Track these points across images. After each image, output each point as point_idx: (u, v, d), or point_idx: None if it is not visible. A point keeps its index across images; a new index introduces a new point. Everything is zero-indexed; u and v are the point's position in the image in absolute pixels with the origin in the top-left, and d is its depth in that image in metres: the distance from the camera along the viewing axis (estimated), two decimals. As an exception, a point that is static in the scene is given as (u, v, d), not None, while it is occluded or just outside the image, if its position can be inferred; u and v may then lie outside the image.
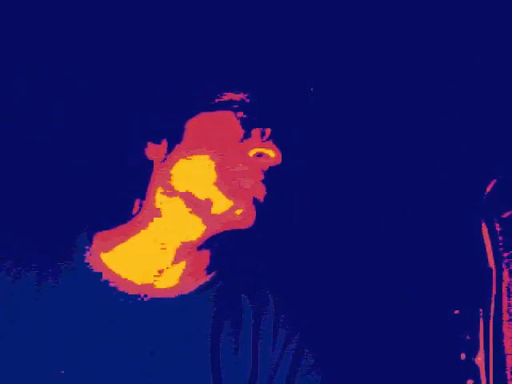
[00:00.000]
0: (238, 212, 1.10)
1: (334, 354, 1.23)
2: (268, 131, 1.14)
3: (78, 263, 1.15)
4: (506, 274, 1.08)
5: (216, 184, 1.11)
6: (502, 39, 1.46)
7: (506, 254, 1.08)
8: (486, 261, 1.09)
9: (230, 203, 1.10)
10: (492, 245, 1.09)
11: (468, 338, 1.08)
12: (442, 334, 1.23)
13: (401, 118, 1.54)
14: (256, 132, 1.14)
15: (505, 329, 1.07)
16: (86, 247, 1.16)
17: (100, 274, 1.14)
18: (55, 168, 1.47)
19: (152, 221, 1.15)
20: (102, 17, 1.47)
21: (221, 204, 1.10)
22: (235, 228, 1.13)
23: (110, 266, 1.15)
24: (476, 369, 1.06)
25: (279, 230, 1.49)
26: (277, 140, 1.14)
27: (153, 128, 1.17)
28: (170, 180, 1.13)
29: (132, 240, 1.16)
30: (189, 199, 1.12)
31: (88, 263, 1.15)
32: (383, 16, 1.51)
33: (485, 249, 1.09)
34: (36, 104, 1.49)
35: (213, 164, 1.11)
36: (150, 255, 1.15)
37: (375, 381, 1.46)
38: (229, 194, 1.10)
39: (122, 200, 1.16)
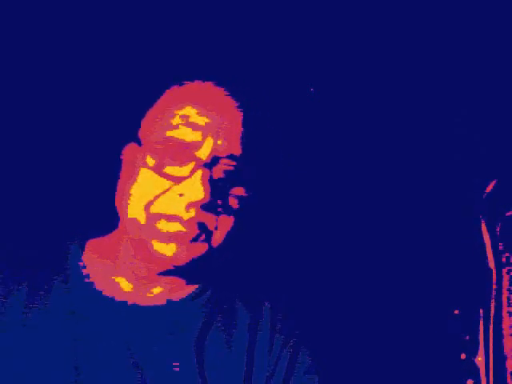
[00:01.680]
0: (172, 254, 1.05)
1: (334, 355, 1.23)
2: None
3: (70, 272, 1.14)
4: (505, 273, 1.08)
5: (148, 228, 1.05)
6: (501, 39, 1.46)
7: (506, 254, 1.08)
8: (486, 261, 1.09)
9: (162, 248, 1.05)
10: (492, 245, 1.09)
11: (468, 338, 1.08)
12: (442, 334, 1.23)
13: (401, 118, 1.54)
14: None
15: (505, 329, 1.07)
16: (79, 257, 1.15)
17: (92, 282, 1.13)
18: (44, 177, 1.47)
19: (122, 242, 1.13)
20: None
21: (153, 248, 1.05)
22: (176, 265, 1.07)
23: (102, 274, 1.14)
24: (476, 369, 1.06)
25: (274, 232, 1.49)
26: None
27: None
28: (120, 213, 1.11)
29: (122, 249, 1.14)
30: (131, 239, 1.10)
31: (81, 271, 1.14)
32: (383, 16, 1.51)
33: (485, 249, 1.09)
34: (26, 113, 1.48)
35: (143, 204, 1.05)
36: (133, 269, 1.13)
37: (375, 381, 1.46)
38: (160, 239, 1.05)
39: (110, 209, 1.14)
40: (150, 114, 1.08)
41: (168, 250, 1.05)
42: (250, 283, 1.22)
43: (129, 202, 1.06)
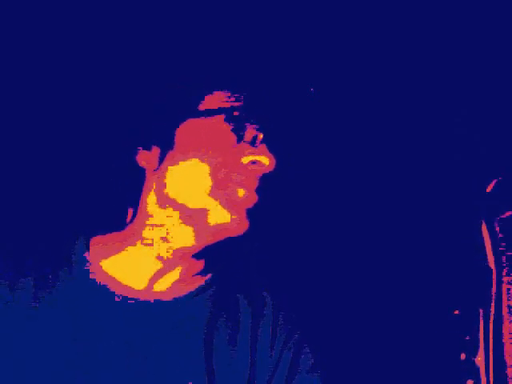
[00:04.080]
0: (232, 222, 1.10)
1: (334, 355, 1.23)
2: (260, 136, 1.13)
3: (76, 269, 1.15)
4: (505, 274, 1.08)
5: (210, 194, 1.10)
6: (501, 39, 1.45)
7: (506, 254, 1.08)
8: (486, 261, 1.09)
9: (225, 214, 1.10)
10: (492, 245, 1.09)
11: (468, 338, 1.08)
12: (442, 334, 1.23)
13: (401, 118, 1.54)
14: (248, 137, 1.13)
15: (505, 329, 1.06)
16: (84, 253, 1.16)
17: (98, 278, 1.14)
18: (50, 175, 1.47)
19: (145, 229, 1.15)
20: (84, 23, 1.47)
21: (215, 215, 1.10)
22: (227, 236, 1.12)
23: (108, 272, 1.15)
24: (476, 369, 1.06)
25: (277, 231, 1.49)
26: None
27: (143, 134, 1.16)
28: (162, 189, 1.13)
29: (128, 248, 1.16)
30: (182, 209, 1.12)
31: (86, 269, 1.15)
32: (383, 16, 1.51)
33: (485, 249, 1.09)
34: (31, 111, 1.48)
35: (206, 172, 1.10)
36: (145, 262, 1.15)
37: (375, 381, 1.46)
38: (223, 205, 1.10)
39: (116, 208, 1.16)
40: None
41: (228, 217, 1.10)
42: (253, 280, 1.23)
43: (189, 170, 1.10)
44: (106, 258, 1.16)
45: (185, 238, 1.13)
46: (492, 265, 1.08)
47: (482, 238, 1.09)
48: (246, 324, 1.16)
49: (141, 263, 1.15)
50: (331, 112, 1.50)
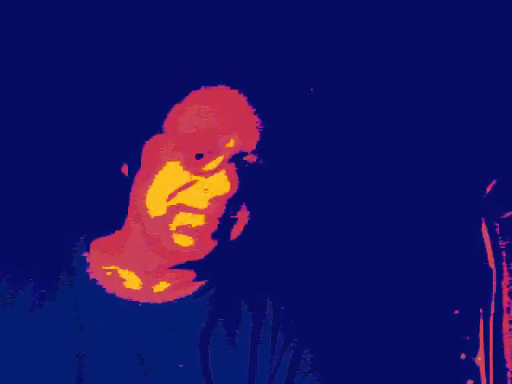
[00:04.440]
0: (188, 247, 1.06)
1: (334, 355, 1.23)
2: (220, 159, 1.06)
3: (76, 270, 1.14)
4: (505, 273, 1.08)
5: (166, 220, 1.06)
6: (501, 39, 1.46)
7: (505, 254, 1.08)
8: (486, 261, 1.09)
9: (180, 241, 1.06)
10: (492, 245, 1.09)
11: (468, 338, 1.08)
12: (442, 334, 1.24)
13: (401, 118, 1.54)
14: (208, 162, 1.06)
15: (505, 329, 1.07)
16: (84, 255, 1.16)
17: (97, 280, 1.14)
18: (49, 176, 1.47)
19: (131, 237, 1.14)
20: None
21: (170, 241, 1.06)
22: (191, 260, 1.08)
23: (108, 273, 1.15)
24: (476, 369, 1.06)
25: (276, 233, 1.49)
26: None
27: (119, 150, 1.13)
28: (134, 205, 1.11)
29: (128, 249, 1.15)
30: (143, 232, 1.10)
31: (86, 270, 1.14)
32: (383, 16, 1.51)
33: (485, 249, 1.09)
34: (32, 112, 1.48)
35: (164, 197, 1.06)
36: (141, 263, 1.14)
37: (375, 381, 1.46)
38: (179, 232, 1.06)
39: (116, 209, 1.15)
40: (177, 108, 1.08)
41: (186, 242, 1.05)
42: (253, 282, 1.23)
43: (148, 193, 1.06)
44: (105, 259, 1.16)
45: (150, 260, 1.12)
46: (492, 265, 1.08)
47: (482, 238, 1.09)
48: (246, 326, 1.16)
49: (140, 265, 1.14)
50: (331, 112, 1.50)
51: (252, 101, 1.10)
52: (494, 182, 1.10)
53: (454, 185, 1.43)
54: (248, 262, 1.26)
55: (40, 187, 1.47)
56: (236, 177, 1.05)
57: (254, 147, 1.07)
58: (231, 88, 1.09)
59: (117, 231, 1.18)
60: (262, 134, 1.09)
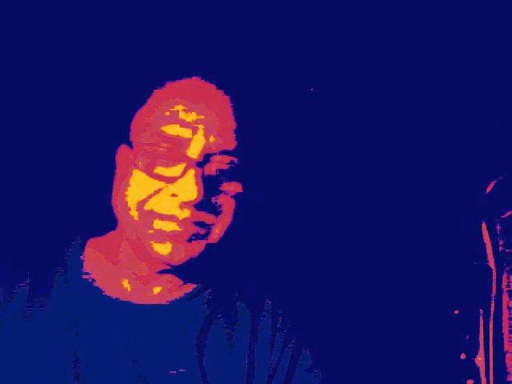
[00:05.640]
0: (168, 254, 1.05)
1: (334, 355, 1.23)
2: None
3: (71, 271, 1.14)
4: (505, 273, 1.08)
5: (144, 227, 1.05)
6: (501, 39, 1.46)
7: (506, 254, 1.08)
8: (486, 261, 1.09)
9: (159, 249, 1.05)
10: (492, 245, 1.09)
11: (468, 338, 1.08)
12: (441, 334, 1.23)
13: (401, 118, 1.54)
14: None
15: (505, 329, 1.07)
16: (80, 256, 1.16)
17: (93, 281, 1.13)
18: (45, 176, 1.47)
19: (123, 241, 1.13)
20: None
21: (151, 248, 1.05)
22: (174, 265, 1.07)
23: (103, 274, 1.14)
24: (476, 369, 1.06)
25: (276, 232, 1.49)
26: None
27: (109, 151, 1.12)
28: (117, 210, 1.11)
29: (123, 250, 1.14)
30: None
31: (82, 271, 1.14)
32: (383, 16, 1.51)
33: (485, 249, 1.09)
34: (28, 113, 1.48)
35: (138, 204, 1.05)
36: (134, 267, 1.13)
37: (375, 381, 1.46)
38: (156, 239, 1.05)
39: (112, 210, 1.14)
40: (139, 114, 1.07)
41: (164, 249, 1.04)
42: (250, 281, 1.22)
43: (123, 202, 1.06)
44: (101, 260, 1.15)
45: (138, 266, 1.12)
46: (492, 265, 1.08)
47: (482, 238, 1.09)
48: (243, 326, 1.16)
49: (133, 268, 1.13)
50: (331, 112, 1.50)
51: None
52: (493, 182, 1.10)
53: (454, 185, 1.43)
54: (246, 262, 1.26)
55: (35, 187, 1.47)
56: (200, 182, 1.02)
57: (222, 148, 1.05)
58: (202, 80, 1.06)
59: (112, 231, 1.17)
60: (236, 134, 1.06)
